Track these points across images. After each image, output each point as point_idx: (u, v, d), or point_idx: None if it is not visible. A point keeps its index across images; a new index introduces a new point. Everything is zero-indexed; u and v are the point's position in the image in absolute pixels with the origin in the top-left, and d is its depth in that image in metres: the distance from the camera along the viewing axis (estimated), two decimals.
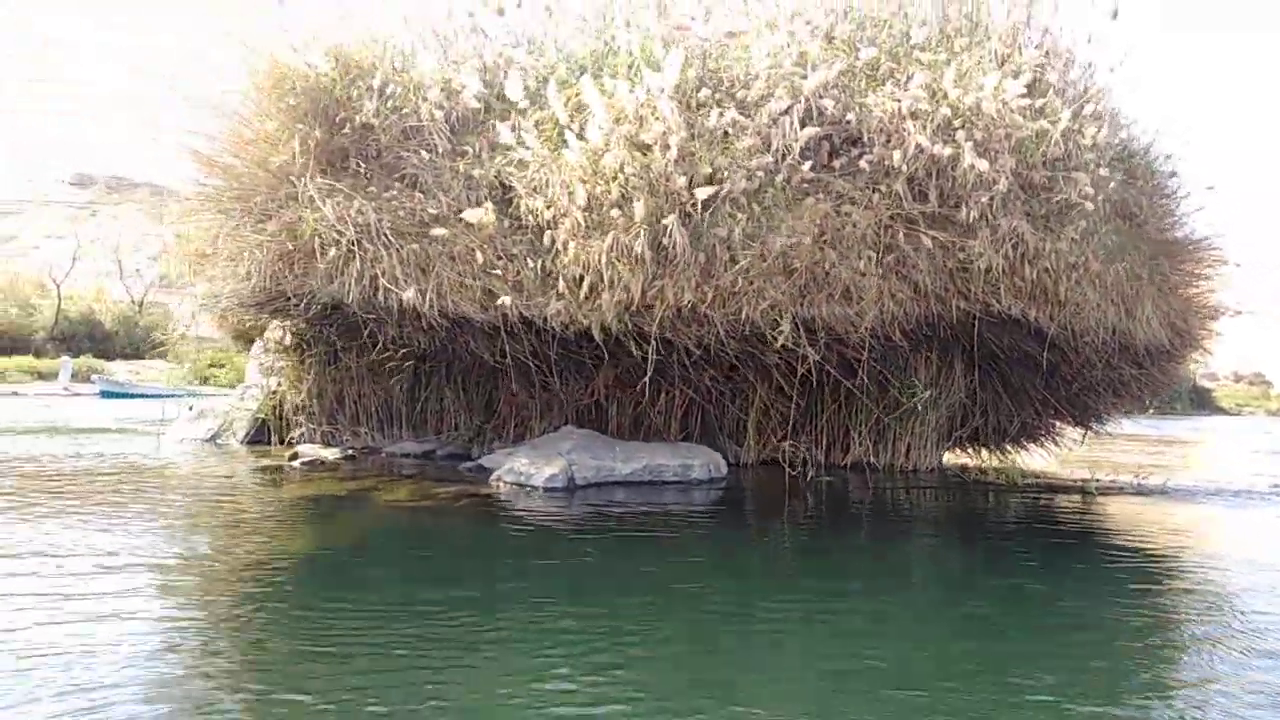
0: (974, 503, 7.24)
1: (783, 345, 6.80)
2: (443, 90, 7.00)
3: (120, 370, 25.95)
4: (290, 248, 7.19)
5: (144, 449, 9.41)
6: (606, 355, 7.71)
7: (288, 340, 9.90)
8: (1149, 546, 5.33)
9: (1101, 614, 3.72)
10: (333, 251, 6.84)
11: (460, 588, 3.86)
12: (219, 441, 9.65)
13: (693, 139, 6.25)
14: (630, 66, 6.67)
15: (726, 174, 6.17)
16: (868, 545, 5.40)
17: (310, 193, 7.05)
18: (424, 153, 6.92)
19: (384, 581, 3.97)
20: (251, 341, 16.59)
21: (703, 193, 5.96)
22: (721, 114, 6.17)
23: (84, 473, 7.30)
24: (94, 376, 23.17)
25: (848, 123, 6.68)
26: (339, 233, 6.94)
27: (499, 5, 7.47)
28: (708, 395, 8.32)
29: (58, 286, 28.92)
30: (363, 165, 7.18)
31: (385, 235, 6.92)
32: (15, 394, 21.16)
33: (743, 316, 6.56)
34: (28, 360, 24.62)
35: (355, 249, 6.95)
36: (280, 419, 9.64)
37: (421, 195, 6.94)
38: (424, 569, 4.29)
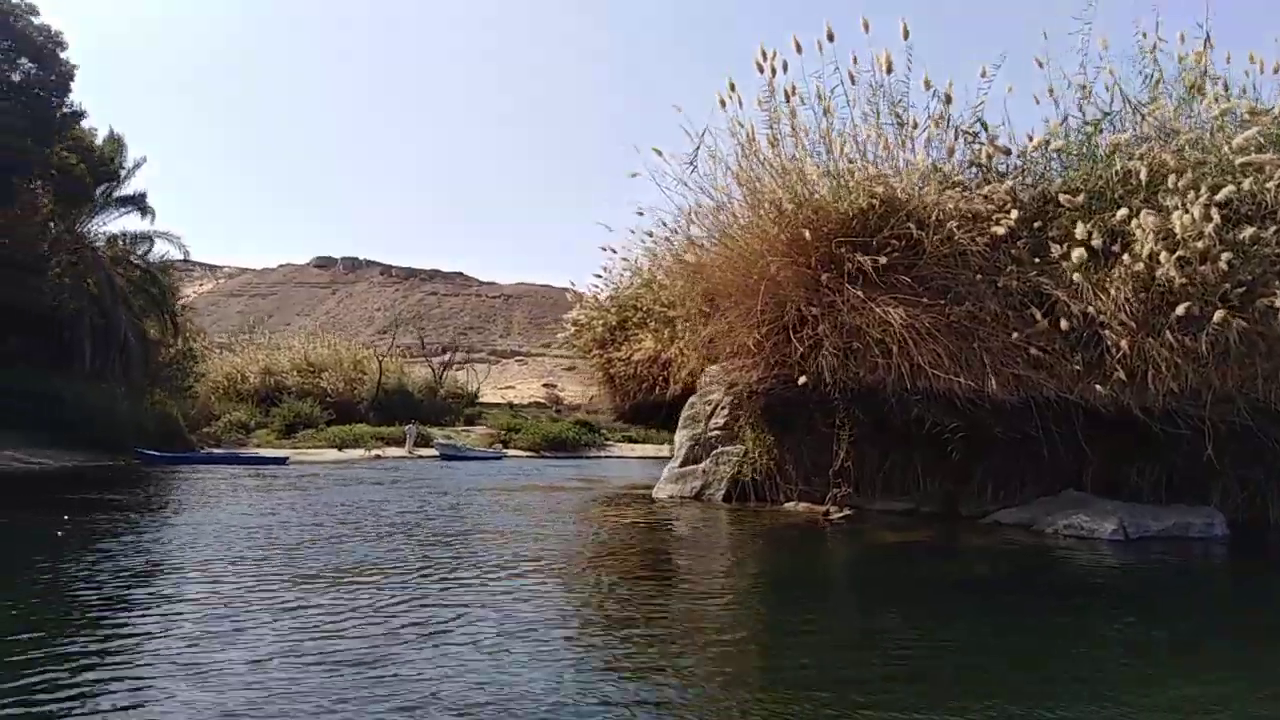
0: None
1: None
2: (975, 219, 8.77)
3: (436, 433, 29.63)
4: (842, 345, 9.14)
5: (643, 503, 11.62)
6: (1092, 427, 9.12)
7: (742, 417, 11.93)
8: None
9: None
10: (895, 349, 8.70)
11: (1136, 622, 5.34)
12: (704, 498, 11.71)
13: (1227, 249, 7.64)
14: (1152, 191, 8.18)
15: (1266, 280, 7.52)
16: None
17: (859, 302, 8.97)
18: (971, 272, 8.67)
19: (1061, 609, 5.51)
20: (624, 415, 19.05)
21: (1264, 301, 7.33)
22: (1259, 231, 7.54)
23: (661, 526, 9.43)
24: (434, 441, 26.83)
25: None
26: (888, 333, 8.81)
27: (1006, 146, 9.27)
28: (1186, 460, 9.46)
29: (380, 361, 33.53)
30: (905, 278, 9.01)
31: (934, 334, 8.71)
32: (378, 456, 24.91)
33: (1270, 396, 7.82)
34: (369, 427, 28.68)
35: (902, 346, 8.78)
36: (755, 480, 11.58)
37: (964, 304, 8.70)
38: (1104, 603, 5.81)
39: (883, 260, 9.03)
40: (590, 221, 49.91)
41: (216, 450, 21.50)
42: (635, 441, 33.28)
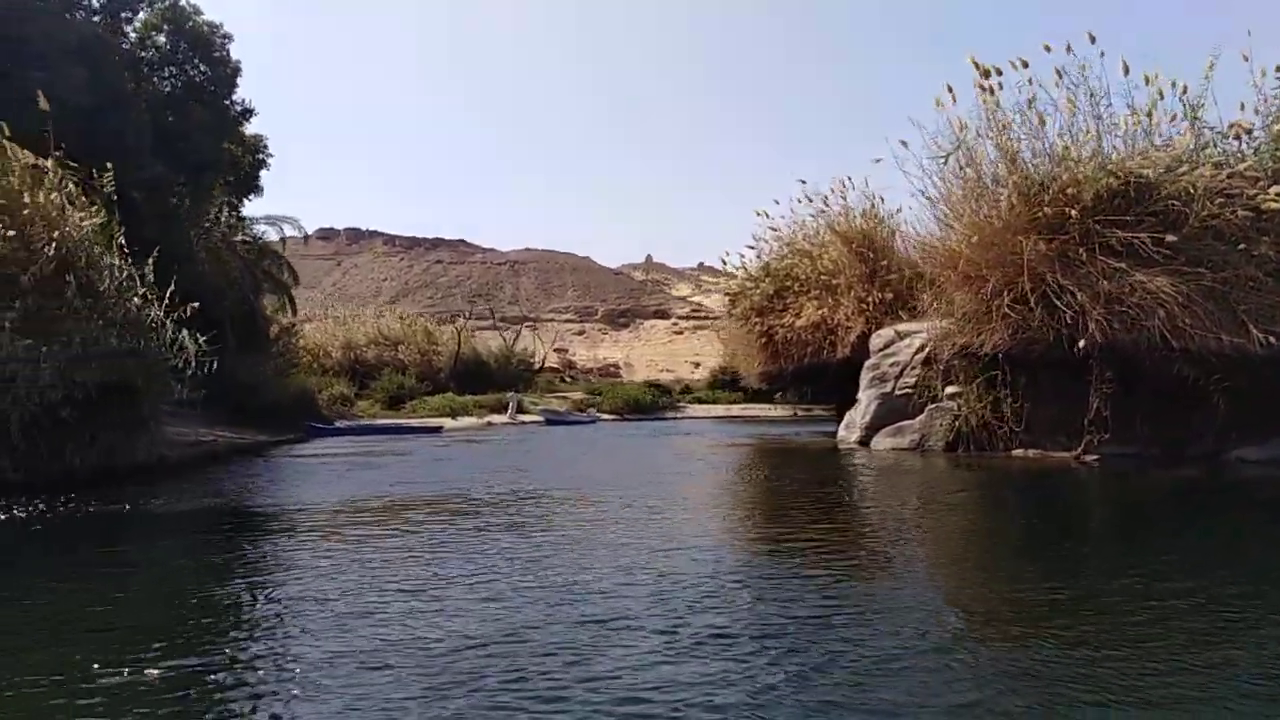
0: None
1: None
2: (1230, 194, 10.05)
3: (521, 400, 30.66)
4: (1103, 310, 10.42)
5: (851, 455, 12.96)
6: None
7: (960, 375, 13.24)
8: None
9: None
10: (1162, 312, 9.99)
11: None
12: (924, 449, 13.05)
13: None
14: None
15: None
16: None
17: (1115, 273, 10.25)
18: (1227, 243, 9.96)
19: None
20: (777, 378, 20.25)
21: None
22: None
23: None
24: (537, 408, 27.99)
25: None
26: (1151, 299, 10.10)
27: (1236, 131, 10.50)
28: None
29: (458, 332, 34.52)
30: (1164, 250, 10.26)
31: (1193, 299, 10.02)
32: (489, 424, 26.05)
33: None
34: (467, 397, 29.64)
35: (1168, 309, 10.08)
36: (973, 431, 12.90)
37: (1223, 270, 10.00)
38: None
39: (1170, 238, 10.15)
40: (587, 188, 50.76)
41: (376, 421, 22.63)
42: (704, 402, 34.66)
